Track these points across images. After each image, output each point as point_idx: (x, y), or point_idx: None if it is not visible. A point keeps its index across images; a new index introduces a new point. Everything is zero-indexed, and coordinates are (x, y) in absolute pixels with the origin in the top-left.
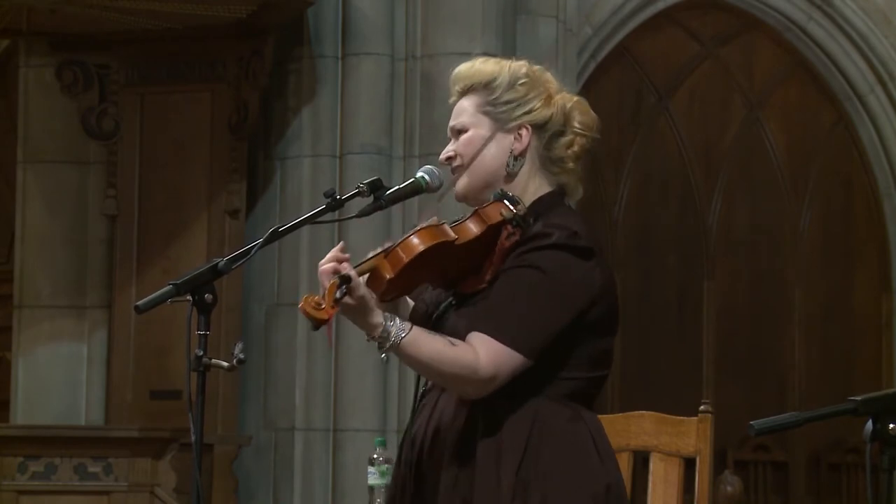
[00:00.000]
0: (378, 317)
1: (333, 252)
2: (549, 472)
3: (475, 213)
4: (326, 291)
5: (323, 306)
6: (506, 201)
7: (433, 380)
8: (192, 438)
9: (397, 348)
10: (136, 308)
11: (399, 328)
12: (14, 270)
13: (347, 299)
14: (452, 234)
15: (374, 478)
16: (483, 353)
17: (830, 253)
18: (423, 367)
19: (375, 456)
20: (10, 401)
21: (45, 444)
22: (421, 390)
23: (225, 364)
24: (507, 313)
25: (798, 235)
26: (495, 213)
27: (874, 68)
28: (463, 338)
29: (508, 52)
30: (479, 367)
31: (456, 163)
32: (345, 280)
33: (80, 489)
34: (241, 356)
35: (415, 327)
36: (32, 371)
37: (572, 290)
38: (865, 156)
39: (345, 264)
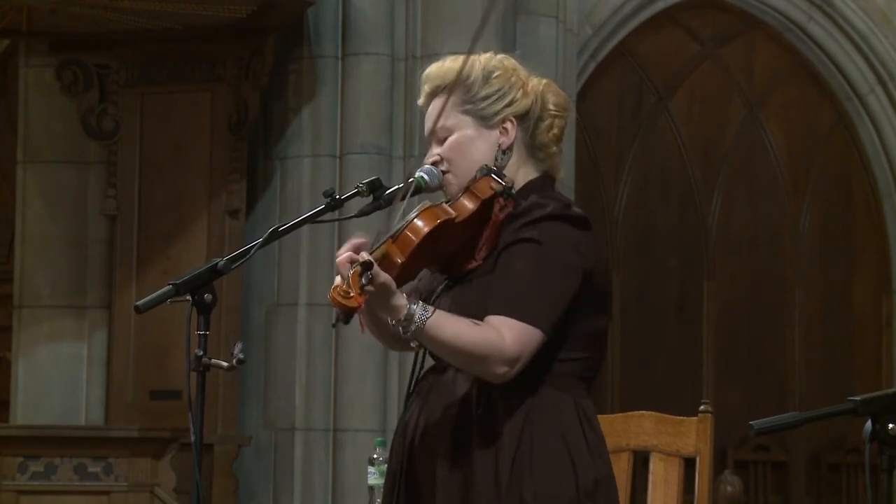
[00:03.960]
0: (402, 299)
1: (348, 245)
2: (541, 464)
3: (467, 191)
4: (350, 280)
5: (352, 294)
6: (493, 175)
7: (457, 363)
8: (192, 438)
9: (422, 331)
10: (136, 308)
11: (423, 309)
12: (14, 270)
13: (370, 288)
14: (452, 212)
15: (374, 478)
16: (507, 333)
17: (830, 253)
18: (447, 350)
19: (375, 456)
20: (10, 401)
21: (45, 444)
22: (415, 379)
23: (225, 364)
24: (522, 292)
25: (798, 235)
26: (486, 188)
27: (874, 68)
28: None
29: (508, 52)
30: (505, 350)
31: (444, 167)
32: (367, 266)
33: (80, 489)
34: (241, 356)
35: (437, 310)
36: (32, 371)
37: (573, 259)
38: (865, 156)
39: (362, 253)
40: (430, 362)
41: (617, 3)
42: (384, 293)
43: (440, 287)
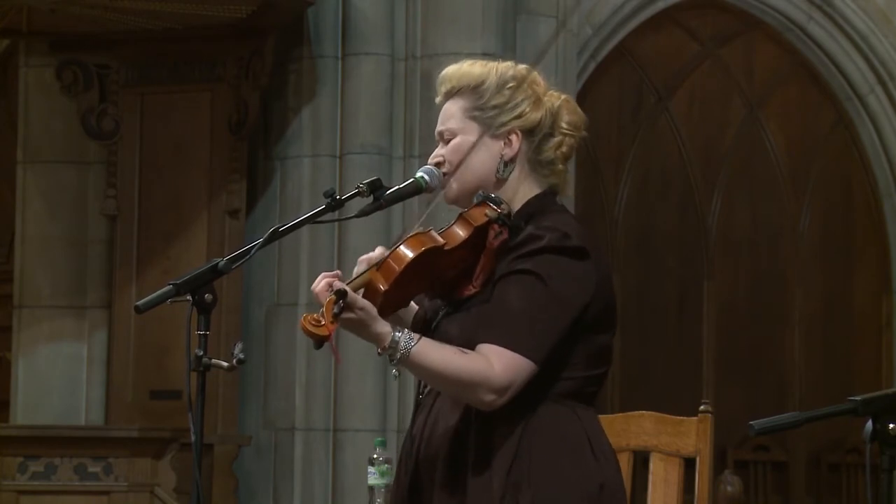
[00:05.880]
0: (385, 326)
1: (324, 275)
2: (540, 472)
3: (460, 217)
4: (324, 308)
5: (322, 323)
6: (489, 202)
7: (445, 391)
8: (192, 438)
9: (407, 359)
10: (136, 308)
11: (407, 338)
12: (14, 270)
13: (348, 314)
14: (441, 240)
15: (374, 478)
16: (497, 363)
17: (830, 253)
18: (434, 378)
19: (375, 456)
20: (10, 401)
21: (45, 444)
22: (422, 390)
23: (225, 364)
24: (515, 322)
25: (798, 235)
26: (480, 215)
27: (874, 68)
28: (455, 344)
29: (508, 52)
30: (494, 377)
31: (445, 168)
32: (341, 294)
33: (80, 489)
34: (241, 356)
35: (423, 337)
36: (32, 371)
37: (571, 293)
38: (865, 156)
39: (336, 282)
40: None
41: (617, 3)
42: (363, 319)
43: (441, 312)
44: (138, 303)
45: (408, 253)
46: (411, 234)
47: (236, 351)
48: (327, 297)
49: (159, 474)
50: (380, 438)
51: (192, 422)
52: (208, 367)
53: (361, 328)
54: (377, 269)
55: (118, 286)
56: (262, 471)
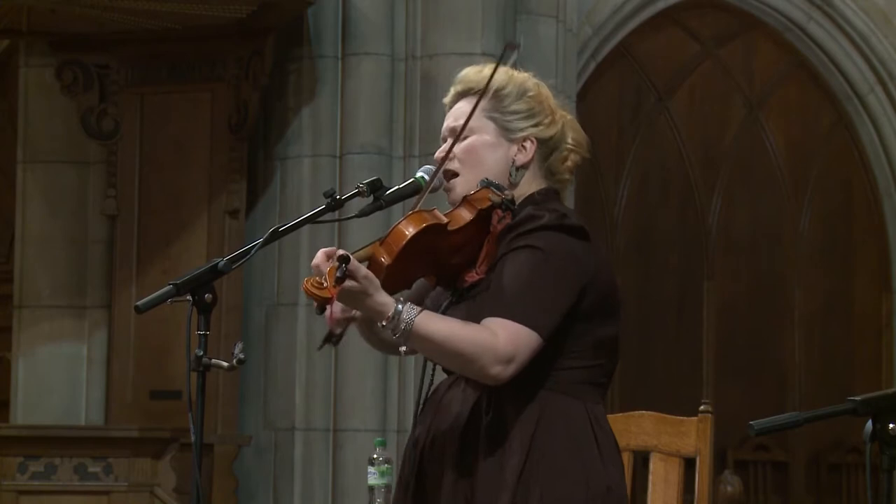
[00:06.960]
0: (387, 297)
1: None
2: (549, 471)
3: (464, 201)
4: (327, 274)
5: (325, 286)
6: (492, 188)
7: (450, 365)
8: (192, 438)
9: (411, 331)
10: (136, 308)
11: (410, 308)
12: (14, 270)
13: (351, 282)
14: (444, 219)
15: (374, 478)
16: (501, 334)
17: (830, 253)
18: (438, 350)
19: (375, 456)
20: (10, 401)
21: (45, 444)
22: (423, 396)
23: (225, 364)
24: (518, 295)
25: (798, 235)
26: (484, 199)
27: (874, 68)
28: None
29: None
30: (499, 348)
31: (455, 166)
32: (343, 259)
33: (80, 489)
34: (241, 356)
35: (425, 310)
36: (32, 371)
37: (571, 267)
38: (865, 156)
39: (340, 250)
40: (438, 377)
41: (617, 3)
42: (365, 288)
43: (445, 302)
44: (138, 303)
45: (410, 229)
46: (414, 211)
47: (236, 351)
48: (329, 266)
49: (159, 474)
50: (380, 438)
51: (192, 422)
52: (208, 367)
53: (364, 298)
54: (380, 244)
55: (118, 286)
56: (262, 471)
